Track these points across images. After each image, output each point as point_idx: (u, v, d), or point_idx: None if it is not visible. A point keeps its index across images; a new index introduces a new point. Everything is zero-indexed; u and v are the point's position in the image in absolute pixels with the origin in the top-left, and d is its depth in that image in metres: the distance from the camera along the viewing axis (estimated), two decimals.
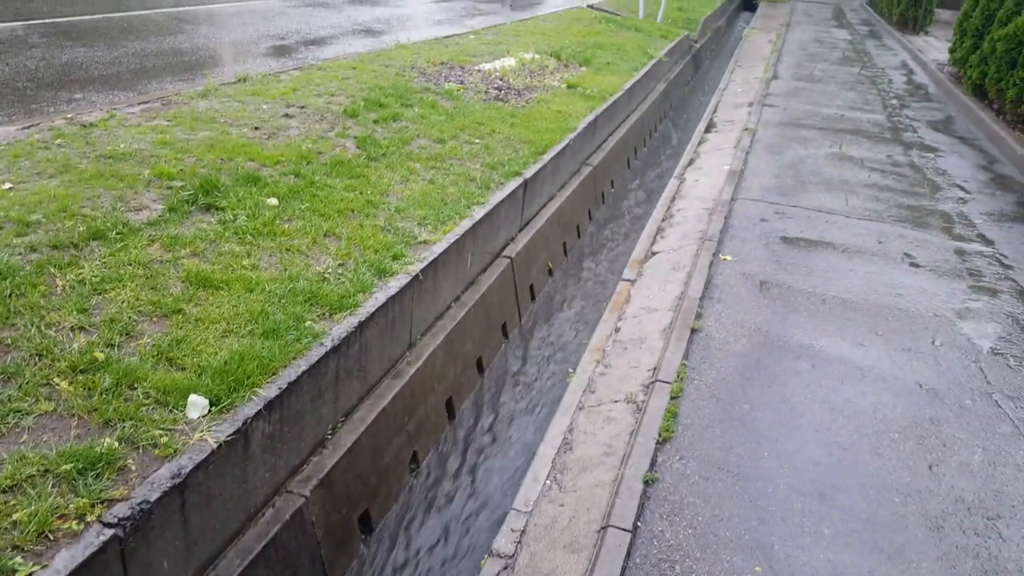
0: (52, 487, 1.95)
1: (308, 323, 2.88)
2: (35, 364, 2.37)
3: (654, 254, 5.62)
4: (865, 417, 3.46)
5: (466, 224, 4.17)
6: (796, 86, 11.49)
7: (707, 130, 9.10)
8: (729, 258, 5.13)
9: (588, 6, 15.17)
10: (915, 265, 5.19)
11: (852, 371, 3.83)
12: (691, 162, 7.86)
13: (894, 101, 11.04)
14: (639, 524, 2.77)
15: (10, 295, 2.65)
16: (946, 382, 3.79)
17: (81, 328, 2.58)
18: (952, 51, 12.47)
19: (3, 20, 8.59)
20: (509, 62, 8.35)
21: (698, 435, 3.27)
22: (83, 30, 8.55)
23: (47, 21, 8.87)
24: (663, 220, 6.28)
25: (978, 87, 10.36)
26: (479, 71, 7.71)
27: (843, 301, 4.58)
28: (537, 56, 8.90)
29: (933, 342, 4.17)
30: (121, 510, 1.92)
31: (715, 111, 10.09)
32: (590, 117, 6.92)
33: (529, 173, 5.22)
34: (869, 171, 7.29)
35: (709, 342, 4.05)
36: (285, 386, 2.52)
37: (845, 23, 21.97)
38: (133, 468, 2.07)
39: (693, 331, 4.15)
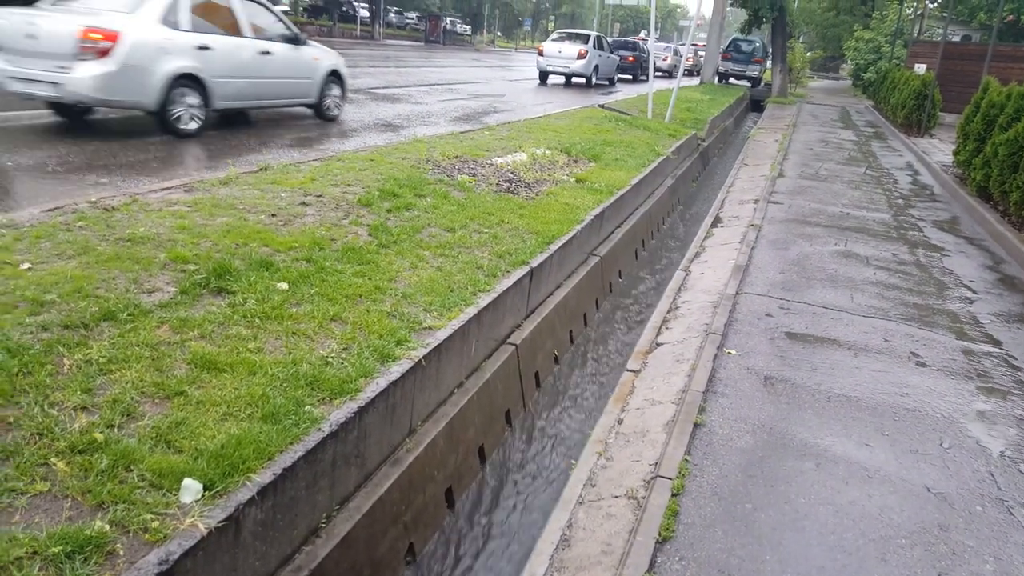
0: (39, 570, 1.93)
1: (308, 407, 2.90)
2: (35, 443, 2.39)
3: (659, 345, 5.63)
4: (871, 521, 3.38)
5: (471, 311, 4.22)
6: (802, 184, 11.72)
7: (713, 225, 9.25)
8: (733, 352, 5.13)
9: (599, 105, 15.72)
10: (922, 364, 5.17)
11: (858, 472, 3.76)
12: (697, 255, 7.96)
13: (899, 201, 11.22)
14: None
15: (17, 373, 2.70)
16: (955, 486, 3.71)
17: (84, 408, 2.61)
18: (956, 153, 12.75)
19: (39, 107, 8.98)
20: (521, 157, 8.60)
21: (699, 535, 3.20)
22: (116, 118, 8.92)
23: None
24: (668, 312, 6.32)
25: (982, 188, 10.54)
26: (491, 165, 7.94)
27: (849, 399, 4.54)
28: (548, 152, 9.18)
29: (941, 444, 4.11)
30: None
31: (721, 206, 10.28)
32: (597, 210, 7.08)
33: (536, 262, 5.31)
34: (875, 269, 7.35)
35: (712, 437, 4.01)
36: (280, 472, 2.51)
37: (851, 125, 22.57)
38: (121, 553, 2.05)
39: (696, 425, 4.12)
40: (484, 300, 4.41)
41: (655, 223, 9.84)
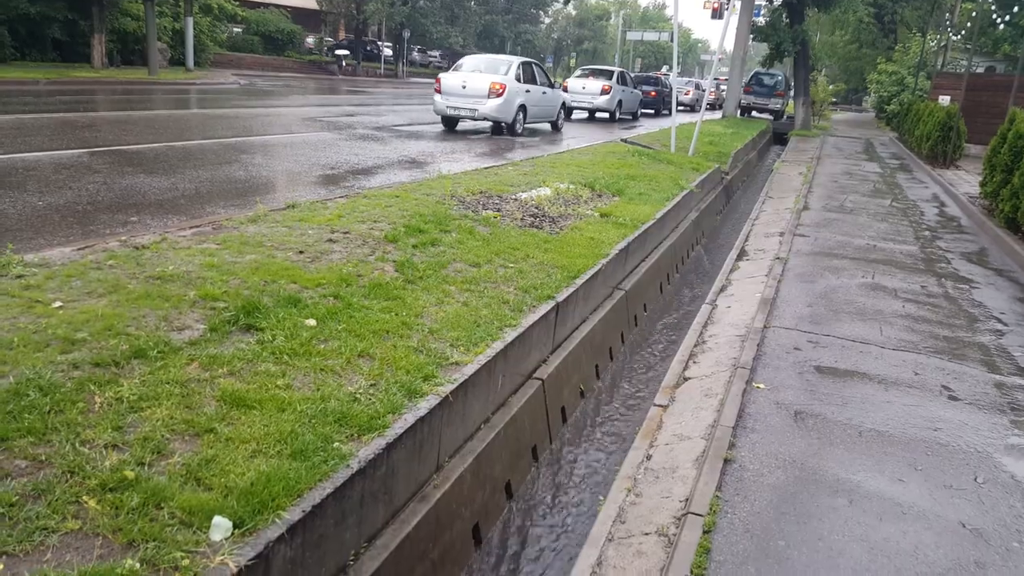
0: None
1: (336, 444, 2.91)
2: (66, 481, 2.42)
3: (686, 380, 5.58)
4: (906, 557, 3.30)
5: (497, 346, 4.22)
6: (827, 217, 11.66)
7: (739, 258, 9.20)
8: (762, 386, 5.07)
9: (622, 140, 15.83)
10: (954, 398, 5.07)
11: (891, 508, 3.68)
12: (723, 289, 7.91)
13: (926, 233, 11.11)
14: None
15: (49, 411, 2.74)
16: (991, 522, 3.61)
17: (114, 446, 2.63)
18: (983, 184, 12.63)
19: (69, 147, 9.27)
20: (545, 192, 8.67)
21: (731, 573, 3.14)
22: (144, 157, 9.16)
23: (112, 148, 9.54)
24: (695, 346, 6.27)
25: (1011, 220, 10.41)
26: (516, 200, 8.00)
27: (880, 434, 4.46)
28: (572, 186, 9.24)
29: (975, 479, 4.01)
30: None
31: (746, 240, 10.24)
32: (622, 244, 7.08)
33: (561, 297, 5.31)
34: (903, 301, 7.26)
35: (743, 473, 3.95)
36: (309, 509, 2.51)
37: (875, 157, 22.47)
38: None
39: (726, 461, 4.06)
40: (510, 335, 4.42)
41: (680, 256, 9.82)
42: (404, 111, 20.53)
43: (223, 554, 2.23)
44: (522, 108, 16.39)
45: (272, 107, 18.58)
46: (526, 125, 16.98)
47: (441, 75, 16.59)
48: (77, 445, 2.59)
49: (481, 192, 8.09)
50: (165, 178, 8.02)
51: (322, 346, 3.72)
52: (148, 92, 19.80)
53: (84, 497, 2.36)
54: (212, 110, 16.43)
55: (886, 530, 3.50)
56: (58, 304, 3.68)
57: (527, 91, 16.57)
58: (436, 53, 59.47)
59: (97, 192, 7.05)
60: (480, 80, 15.80)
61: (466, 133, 16.17)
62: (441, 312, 4.50)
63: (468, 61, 17.49)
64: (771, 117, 33.65)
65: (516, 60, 17.03)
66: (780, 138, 28.94)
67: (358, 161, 10.58)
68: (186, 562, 2.17)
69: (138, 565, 2.11)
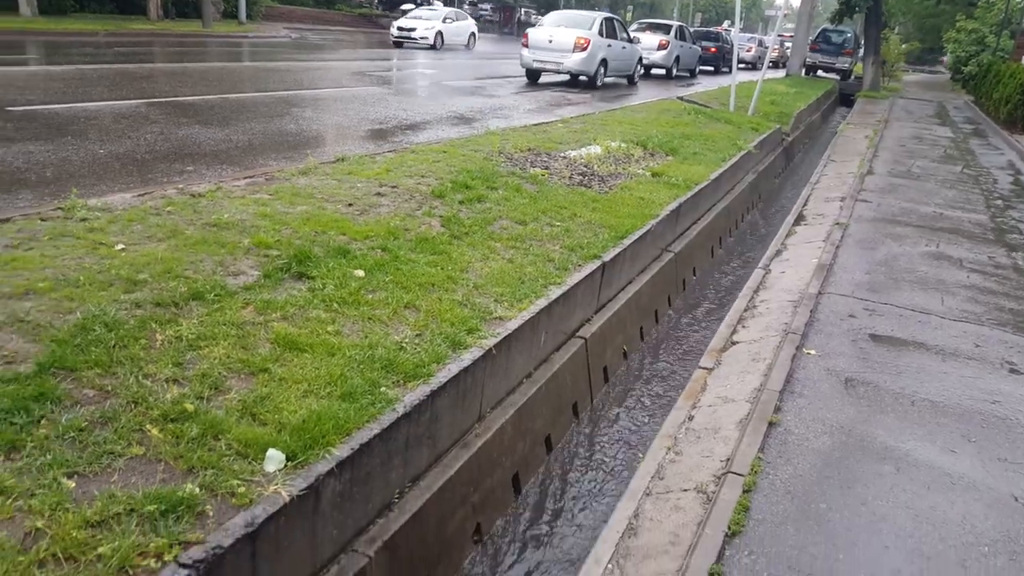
0: (135, 525, 2.07)
1: (383, 389, 2.99)
2: (131, 411, 2.55)
3: (734, 343, 5.53)
4: (953, 527, 3.25)
5: (541, 303, 4.24)
6: (892, 182, 11.27)
7: (796, 222, 8.99)
8: (813, 352, 5.00)
9: (678, 98, 15.48)
10: (1016, 372, 4.92)
11: (940, 478, 3.62)
12: (778, 253, 7.76)
13: (999, 201, 10.66)
14: None
15: (114, 346, 2.88)
16: None
17: (175, 380, 2.76)
18: None
19: (128, 98, 9.51)
20: (595, 150, 8.57)
21: (770, 532, 3.15)
22: (199, 109, 9.35)
23: (168, 100, 9.77)
24: (745, 310, 6.19)
25: None
26: (564, 158, 7.94)
27: (934, 404, 4.37)
28: (623, 145, 9.10)
29: None
30: (196, 553, 2.03)
31: (805, 204, 9.99)
32: (673, 205, 6.99)
33: (608, 256, 5.29)
34: (968, 272, 7.02)
35: (787, 437, 3.93)
36: (357, 447, 2.61)
37: (948, 121, 21.53)
38: (210, 514, 2.18)
39: (771, 424, 4.04)
40: (555, 293, 4.43)
41: (734, 220, 9.65)
42: (454, 67, 20.41)
43: (276, 484, 2.33)
44: (603, 62, 17.09)
45: (322, 61, 18.68)
46: (610, 75, 17.88)
47: (528, 30, 18.02)
48: (140, 378, 2.73)
49: (529, 149, 8.04)
50: (219, 129, 8.18)
51: (370, 296, 3.79)
52: (202, 44, 20.09)
53: (147, 426, 2.49)
54: (264, 63, 16.62)
55: (933, 499, 3.46)
56: (120, 247, 3.83)
57: (608, 46, 17.37)
58: (487, 6, 58.62)
59: (155, 141, 7.23)
60: (565, 35, 16.63)
61: (519, 90, 16.01)
62: (486, 268, 4.53)
63: (551, 17, 18.81)
64: (838, 77, 32.33)
65: (599, 16, 18.04)
66: (846, 99, 27.86)
67: (406, 116, 10.60)
68: (242, 489, 2.28)
69: (198, 490, 2.23)
